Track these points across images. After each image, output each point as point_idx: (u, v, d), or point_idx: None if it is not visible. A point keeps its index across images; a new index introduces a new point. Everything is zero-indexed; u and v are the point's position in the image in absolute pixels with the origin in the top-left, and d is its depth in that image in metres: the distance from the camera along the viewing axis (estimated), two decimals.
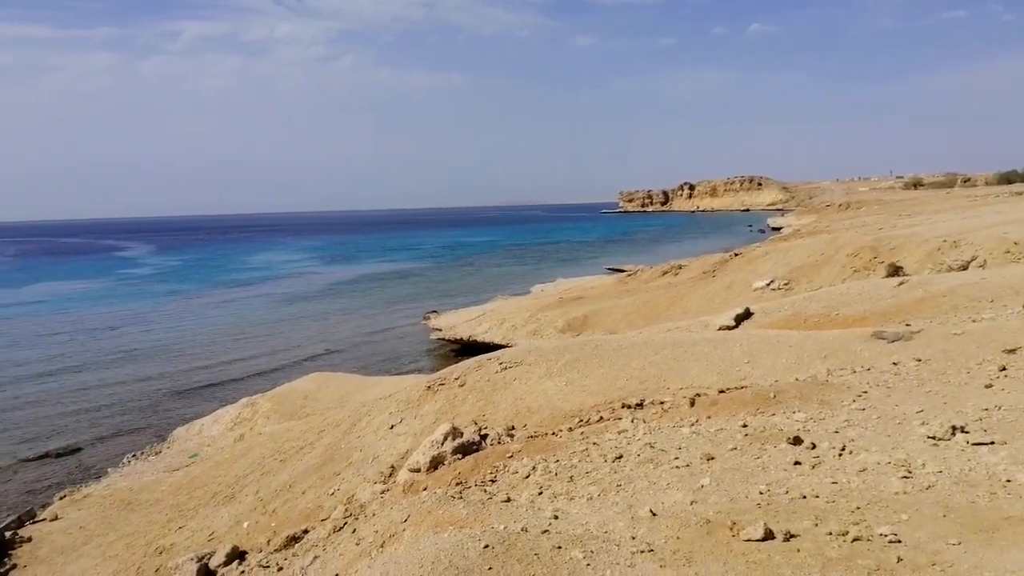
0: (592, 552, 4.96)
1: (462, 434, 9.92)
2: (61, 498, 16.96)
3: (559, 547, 5.01)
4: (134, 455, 20.45)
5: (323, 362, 32.41)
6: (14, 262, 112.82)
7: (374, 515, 7.04)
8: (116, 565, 11.39)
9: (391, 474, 10.92)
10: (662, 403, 10.09)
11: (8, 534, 14.22)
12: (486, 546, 5.00)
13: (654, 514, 5.64)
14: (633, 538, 5.26)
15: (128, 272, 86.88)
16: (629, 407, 10.32)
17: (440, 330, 34.87)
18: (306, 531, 9.62)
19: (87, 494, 16.54)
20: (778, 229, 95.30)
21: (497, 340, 30.45)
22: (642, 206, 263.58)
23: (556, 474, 7.15)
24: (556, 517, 5.76)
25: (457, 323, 34.89)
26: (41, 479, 19.60)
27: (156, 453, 20.27)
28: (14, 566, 12.96)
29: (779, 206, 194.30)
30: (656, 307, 30.59)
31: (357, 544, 6.19)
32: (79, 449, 21.90)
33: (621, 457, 7.48)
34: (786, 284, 27.65)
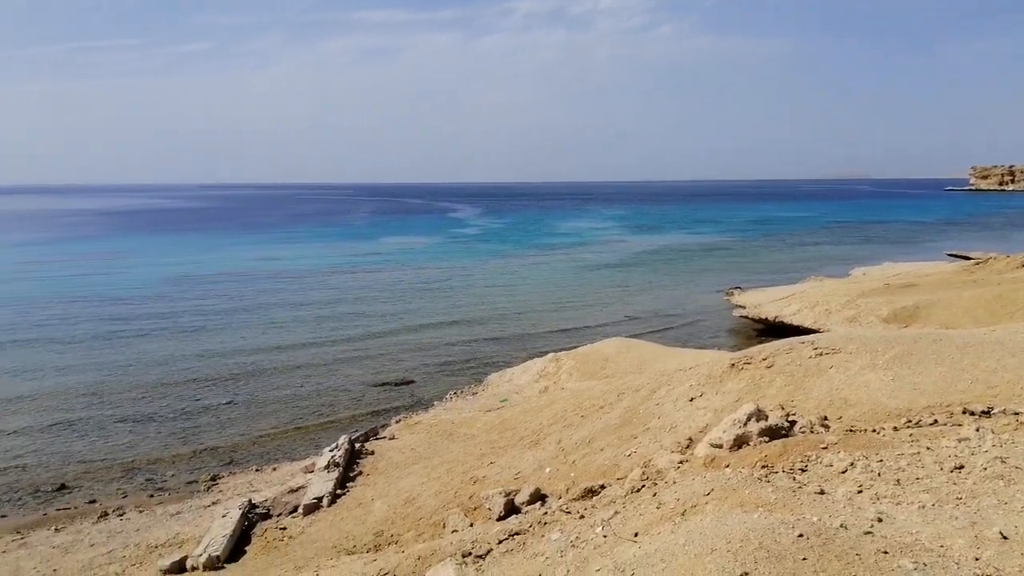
0: (925, 565, 4.42)
1: (767, 417, 9.46)
2: (397, 422, 19.76)
3: (885, 552, 4.55)
4: (455, 393, 23.00)
5: (623, 328, 33.08)
6: (370, 219, 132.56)
7: (675, 483, 7.04)
8: (438, 486, 12.96)
9: (688, 445, 10.83)
10: (1017, 414, 8.61)
11: (358, 445, 16.96)
12: (800, 535, 4.71)
13: (1004, 537, 4.84)
14: (976, 559, 4.58)
15: (458, 232, 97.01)
16: (972, 414, 8.97)
17: (743, 308, 33.45)
18: (603, 486, 9.98)
19: (418, 421, 19.02)
20: None
21: (807, 324, 28.36)
22: (1000, 184, 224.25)
23: (879, 474, 6.48)
24: (880, 520, 5.23)
25: (763, 302, 33.16)
26: (383, 403, 22.94)
27: (473, 393, 22.56)
28: (360, 472, 15.44)
29: None
30: (1011, 303, 25.94)
31: (658, 508, 6.25)
32: (412, 382, 25.17)
33: (962, 468, 6.54)
34: None
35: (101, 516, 14.68)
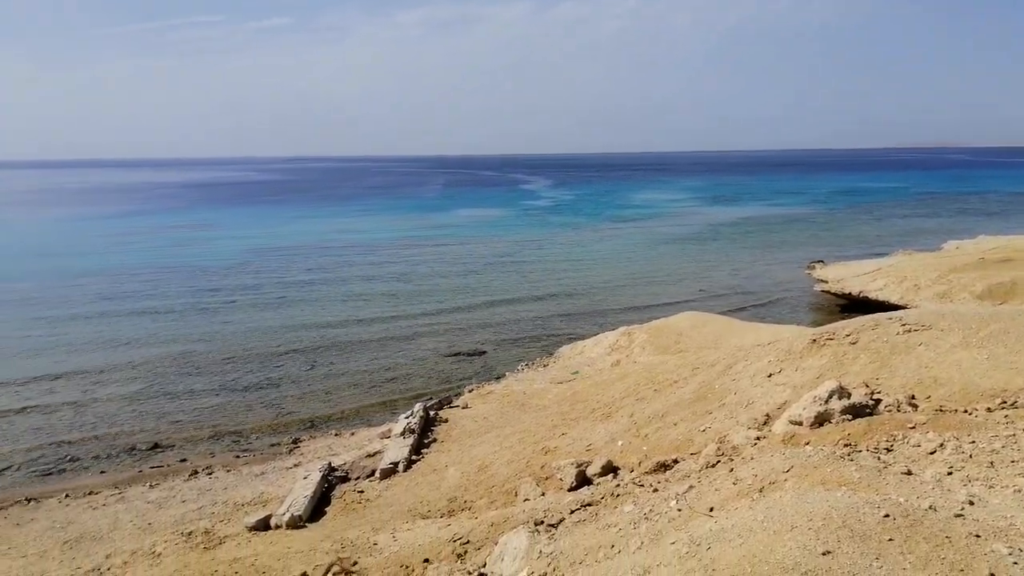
0: (1020, 550, 4.21)
1: (850, 395, 9.16)
2: (470, 391, 20.04)
3: (977, 536, 4.35)
4: (526, 364, 23.13)
5: (697, 302, 32.49)
6: (443, 191, 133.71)
7: (752, 459, 6.91)
8: (510, 455, 13.11)
9: (766, 422, 10.61)
10: None
11: (432, 413, 17.31)
12: (886, 515, 4.55)
13: None
14: None
15: (530, 203, 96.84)
16: None
17: (825, 282, 32.32)
18: (676, 460, 9.89)
19: (490, 391, 19.24)
20: None
21: (894, 300, 27.20)
22: None
23: (971, 456, 6.19)
24: (971, 503, 5.00)
25: (846, 276, 31.95)
26: (455, 373, 23.31)
27: (544, 365, 22.64)
28: (434, 439, 15.77)
29: None
30: None
31: (734, 484, 6.15)
32: (484, 353, 25.45)
33: None
34: None
35: (192, 474, 15.50)
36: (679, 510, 6.00)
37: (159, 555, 11.09)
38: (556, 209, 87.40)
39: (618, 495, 7.65)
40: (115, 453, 17.40)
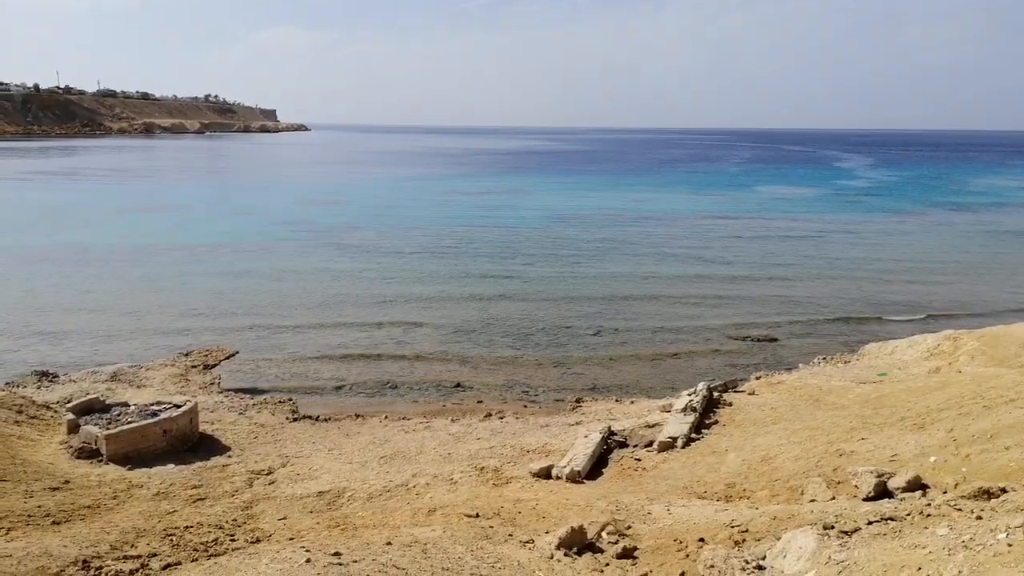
0: None
1: None
2: (758, 378, 19.13)
3: None
4: (823, 358, 21.42)
5: None
6: (745, 165, 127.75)
7: None
8: (798, 451, 12.29)
9: None
10: None
11: (716, 394, 16.87)
12: None
13: None
14: None
15: (843, 184, 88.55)
16: None
17: None
18: (1004, 489, 8.53)
19: (780, 381, 18.18)
20: None
21: None
22: None
23: None
24: None
25: None
26: (742, 356, 22.43)
27: (844, 362, 20.76)
28: (716, 421, 15.38)
29: None
30: None
31: None
32: (775, 340, 24.07)
33: None
34: None
35: (486, 416, 17.00)
36: (1009, 545, 5.16)
37: (455, 483, 12.38)
38: (873, 191, 78.83)
39: (928, 515, 6.79)
40: (425, 387, 19.73)
